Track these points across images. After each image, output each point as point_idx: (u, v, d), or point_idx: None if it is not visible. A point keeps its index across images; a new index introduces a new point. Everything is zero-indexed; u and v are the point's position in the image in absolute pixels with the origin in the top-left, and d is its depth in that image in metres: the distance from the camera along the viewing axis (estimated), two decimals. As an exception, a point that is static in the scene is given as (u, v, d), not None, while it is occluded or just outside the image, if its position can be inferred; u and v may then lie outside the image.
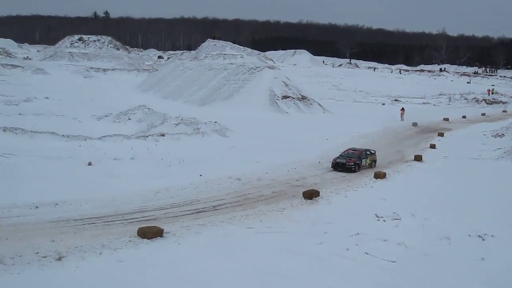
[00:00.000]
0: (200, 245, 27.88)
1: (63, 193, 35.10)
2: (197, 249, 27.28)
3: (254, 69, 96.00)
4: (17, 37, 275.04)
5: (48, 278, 22.69)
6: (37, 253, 25.20)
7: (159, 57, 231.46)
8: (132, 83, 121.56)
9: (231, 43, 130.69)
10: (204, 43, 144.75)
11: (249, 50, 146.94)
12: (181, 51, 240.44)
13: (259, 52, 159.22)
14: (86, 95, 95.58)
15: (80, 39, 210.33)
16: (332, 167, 48.40)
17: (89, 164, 43.22)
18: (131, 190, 36.65)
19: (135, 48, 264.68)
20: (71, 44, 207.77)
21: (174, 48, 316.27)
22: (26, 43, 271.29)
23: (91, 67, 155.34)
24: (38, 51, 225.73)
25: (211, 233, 29.99)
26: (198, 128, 59.27)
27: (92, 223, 30.60)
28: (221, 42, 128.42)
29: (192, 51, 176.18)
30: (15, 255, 24.59)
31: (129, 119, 66.81)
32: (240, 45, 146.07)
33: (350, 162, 48.00)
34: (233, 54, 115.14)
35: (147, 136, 54.92)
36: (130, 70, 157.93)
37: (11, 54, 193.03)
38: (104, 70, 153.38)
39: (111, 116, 68.61)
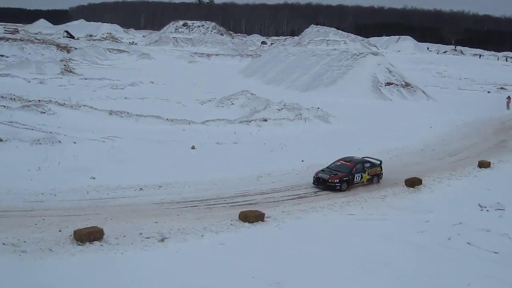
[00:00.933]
0: (301, 230, 27.92)
1: (166, 175, 35.69)
2: (298, 234, 27.33)
3: (357, 55, 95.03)
4: (123, 22, 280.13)
5: (151, 259, 23.13)
6: (141, 233, 25.72)
7: (263, 42, 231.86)
8: (235, 69, 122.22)
9: (334, 29, 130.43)
10: (307, 29, 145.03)
11: (353, 36, 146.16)
12: (284, 37, 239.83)
13: (363, 38, 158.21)
14: (190, 80, 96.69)
15: (184, 25, 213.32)
16: (313, 182, 37.59)
17: (192, 148, 43.74)
18: (233, 174, 36.93)
19: (239, 34, 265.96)
20: (176, 29, 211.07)
21: (277, 34, 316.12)
22: (131, 29, 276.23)
23: (195, 52, 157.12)
24: (143, 36, 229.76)
25: (312, 218, 30.01)
26: (301, 114, 59.15)
27: (195, 206, 31.04)
28: (325, 28, 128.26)
29: (296, 37, 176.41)
30: (119, 235, 25.17)
31: (232, 104, 67.24)
32: (343, 31, 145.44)
33: (334, 179, 36.82)
34: (336, 40, 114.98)
35: (250, 121, 55.19)
36: (234, 55, 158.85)
37: (117, 39, 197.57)
38: (208, 55, 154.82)
39: (215, 101, 69.18)
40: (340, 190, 36.64)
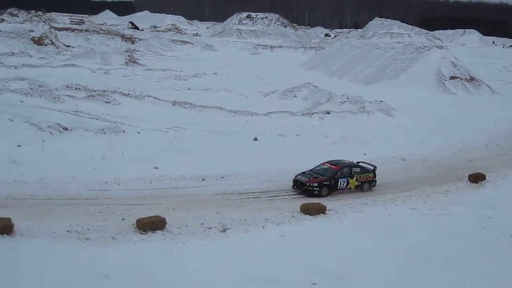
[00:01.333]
0: (362, 224, 27.76)
1: (229, 166, 35.85)
2: (359, 228, 27.18)
3: (422, 49, 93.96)
4: (187, 14, 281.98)
5: (212, 249, 23.23)
6: (203, 224, 25.85)
7: (326, 35, 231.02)
8: (298, 61, 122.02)
9: (398, 21, 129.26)
10: (371, 22, 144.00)
11: (417, 29, 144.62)
12: (348, 29, 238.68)
13: (427, 31, 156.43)
14: (253, 71, 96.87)
15: (248, 16, 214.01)
16: (292, 186, 34.19)
17: (255, 139, 43.82)
18: (296, 166, 36.82)
19: (302, 26, 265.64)
20: (239, 21, 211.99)
21: (341, 26, 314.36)
22: (195, 20, 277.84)
23: (259, 44, 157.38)
24: (207, 27, 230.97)
25: (373, 212, 29.82)
26: (363, 107, 58.84)
27: (256, 197, 31.17)
28: (389, 21, 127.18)
29: (359, 30, 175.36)
30: (181, 225, 25.33)
31: (295, 96, 67.19)
32: (407, 24, 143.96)
33: (313, 182, 33.25)
34: (400, 33, 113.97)
35: (312, 114, 55.11)
36: (297, 47, 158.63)
37: (181, 30, 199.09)
38: (271, 47, 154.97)
39: (277, 92, 69.23)
40: (319, 195, 32.82)
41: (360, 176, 35.08)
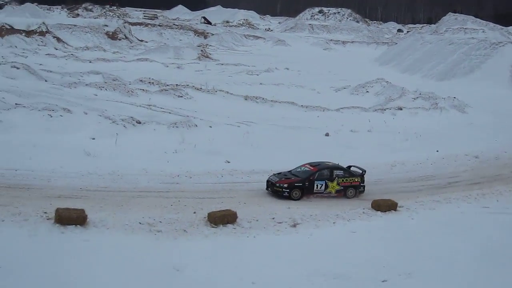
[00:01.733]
0: (434, 221, 27.47)
1: (299, 162, 35.70)
2: (430, 225, 26.91)
3: (496, 44, 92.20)
4: (259, 9, 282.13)
5: (283, 244, 23.31)
6: (273, 218, 25.95)
7: (399, 30, 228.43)
8: (371, 56, 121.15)
9: (472, 17, 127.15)
10: (444, 17, 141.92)
11: (491, 24, 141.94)
12: (421, 25, 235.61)
13: (502, 27, 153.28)
14: (325, 66, 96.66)
15: (320, 12, 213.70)
16: (266, 187, 31.84)
17: (326, 135, 43.69)
18: (367, 162, 36.52)
19: (375, 21, 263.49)
20: (311, 16, 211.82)
21: (413, 21, 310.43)
22: (267, 15, 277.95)
23: (331, 39, 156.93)
24: (279, 22, 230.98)
25: (445, 210, 29.49)
26: (436, 103, 58.12)
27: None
28: (462, 16, 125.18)
29: (432, 25, 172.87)
30: (252, 219, 25.47)
31: (367, 91, 66.78)
32: (481, 19, 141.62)
33: (283, 183, 30.78)
34: (474, 29, 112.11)
35: (384, 109, 54.72)
36: (369, 43, 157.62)
37: (253, 25, 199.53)
38: (343, 42, 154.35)
39: (349, 88, 68.92)
40: (290, 198, 30.41)
41: (343, 180, 31.95)
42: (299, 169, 32.33)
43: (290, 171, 32.30)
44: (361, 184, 32.33)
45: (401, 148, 41.87)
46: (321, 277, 20.40)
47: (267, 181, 31.53)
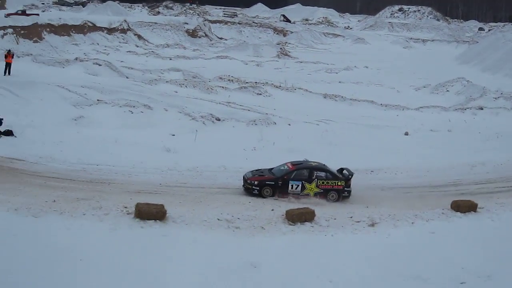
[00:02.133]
0: (514, 224, 26.99)
1: (378, 161, 35.70)
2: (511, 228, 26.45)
3: None
4: (339, 7, 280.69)
5: (360, 243, 23.15)
6: (351, 217, 25.82)
7: (480, 29, 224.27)
8: (451, 55, 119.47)
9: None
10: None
11: None
12: (503, 23, 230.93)
13: None
14: (405, 65, 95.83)
15: (400, 10, 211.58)
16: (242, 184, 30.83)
17: (406, 134, 43.40)
18: (446, 162, 36.27)
19: (455, 19, 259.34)
20: (391, 14, 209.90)
21: (495, 20, 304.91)
22: (347, 13, 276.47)
23: (410, 38, 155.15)
24: (358, 21, 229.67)
25: (529, 212, 28.89)
26: (519, 103, 57.12)
27: (407, 192, 30.91)
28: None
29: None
30: (330, 218, 25.35)
31: (447, 90, 66.02)
32: None
33: (254, 180, 29.77)
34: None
35: (465, 109, 54.06)
36: (450, 41, 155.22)
37: (332, 23, 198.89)
38: (423, 40, 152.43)
39: (429, 87, 68.25)
40: (261, 196, 29.26)
41: (323, 183, 30.18)
42: (278, 167, 31.04)
43: (270, 169, 31.07)
44: (346, 188, 30.33)
45: (481, 148, 41.22)
46: (399, 277, 20.25)
47: (243, 177, 30.56)
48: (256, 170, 30.95)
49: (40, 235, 21.15)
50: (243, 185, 30.24)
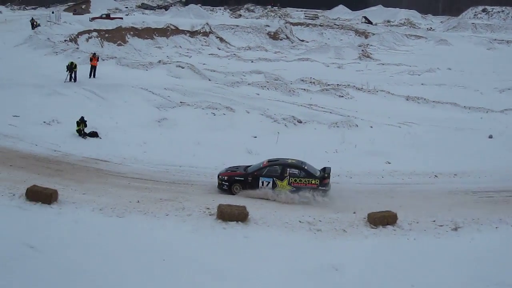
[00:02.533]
0: None
1: (462, 164, 35.20)
2: None
3: None
4: (421, 8, 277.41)
5: (443, 247, 22.91)
6: (434, 221, 25.53)
7: None
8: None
9: None
10: None
11: None
12: None
13: None
14: (489, 67, 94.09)
15: (483, 10, 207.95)
16: None
17: (490, 137, 42.66)
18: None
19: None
20: (474, 15, 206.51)
21: None
22: (429, 14, 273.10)
23: (494, 39, 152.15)
24: (441, 22, 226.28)
25: None
26: None
27: (490, 197, 30.32)
28: None
29: None
30: (412, 221, 25.02)
31: (533, 92, 64.66)
32: None
33: (224, 175, 29.77)
34: None
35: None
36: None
37: (415, 25, 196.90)
38: (508, 42, 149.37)
39: (515, 88, 66.93)
40: (231, 192, 29.17)
41: (295, 180, 29.16)
42: (255, 164, 30.58)
43: (247, 166, 30.63)
44: (320, 187, 28.97)
45: None
46: (482, 283, 19.95)
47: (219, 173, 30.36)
48: (234, 166, 30.84)
49: (124, 235, 21.68)
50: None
